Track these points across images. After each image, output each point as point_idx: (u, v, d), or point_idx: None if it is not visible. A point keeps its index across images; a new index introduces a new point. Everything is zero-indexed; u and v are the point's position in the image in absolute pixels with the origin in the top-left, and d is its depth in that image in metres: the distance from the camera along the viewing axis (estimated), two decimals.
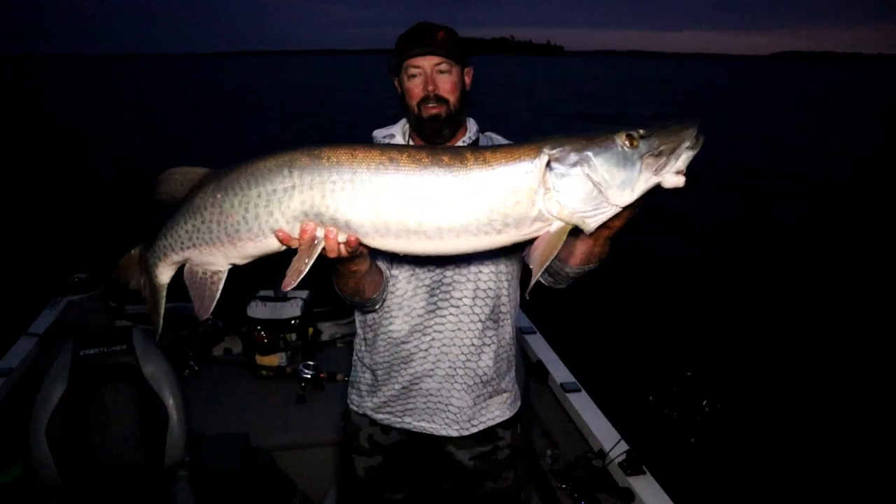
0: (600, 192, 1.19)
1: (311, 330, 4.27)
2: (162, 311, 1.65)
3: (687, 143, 1.21)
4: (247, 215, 1.34)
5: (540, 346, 3.84)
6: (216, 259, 1.46)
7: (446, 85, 1.83)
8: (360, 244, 1.36)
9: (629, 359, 5.88)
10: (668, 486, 2.71)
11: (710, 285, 8.67)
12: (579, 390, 3.44)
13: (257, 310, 4.13)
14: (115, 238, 9.89)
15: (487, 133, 2.04)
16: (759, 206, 13.31)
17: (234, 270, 4.85)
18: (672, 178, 1.20)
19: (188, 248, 1.47)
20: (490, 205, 1.20)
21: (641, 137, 1.20)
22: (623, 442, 2.89)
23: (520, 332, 3.77)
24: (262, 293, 4.25)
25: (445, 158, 1.25)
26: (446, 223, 1.24)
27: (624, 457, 2.82)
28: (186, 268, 1.53)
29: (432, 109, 1.83)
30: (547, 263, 1.25)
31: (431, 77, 1.82)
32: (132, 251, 1.67)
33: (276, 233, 1.35)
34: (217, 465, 3.00)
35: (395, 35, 1.90)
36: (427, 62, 1.82)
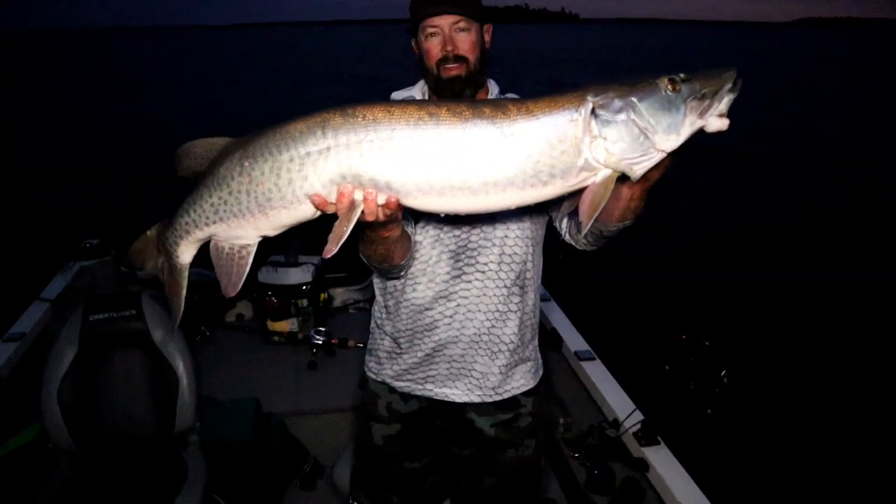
0: (647, 137, 1.17)
1: (322, 296, 4.24)
2: (184, 293, 1.54)
3: (728, 86, 1.20)
4: (279, 182, 1.26)
5: (554, 314, 3.79)
6: (245, 232, 1.37)
7: (465, 44, 1.77)
8: (399, 206, 1.29)
9: (645, 327, 5.81)
10: (683, 457, 2.67)
11: (731, 253, 8.56)
12: (594, 359, 3.39)
13: (268, 275, 4.10)
14: (126, 205, 9.93)
15: (509, 95, 1.94)
16: (782, 175, 13.08)
17: None
18: (716, 121, 1.19)
19: (214, 222, 1.37)
20: (536, 155, 1.17)
21: (683, 81, 1.19)
22: (638, 412, 2.85)
23: None
24: (274, 258, 4.22)
25: (487, 110, 1.20)
26: (491, 177, 1.20)
27: (639, 427, 2.79)
28: (212, 244, 1.44)
29: (452, 70, 1.77)
30: (597, 213, 1.22)
31: (450, 36, 1.76)
32: (148, 232, 1.56)
33: (311, 198, 1.26)
34: (228, 430, 3.01)
35: (408, 4, 1.83)
36: (445, 21, 1.75)
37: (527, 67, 38.35)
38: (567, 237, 1.84)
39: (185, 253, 1.49)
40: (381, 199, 1.26)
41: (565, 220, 1.84)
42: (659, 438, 2.75)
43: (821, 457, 4.43)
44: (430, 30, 1.77)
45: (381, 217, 1.31)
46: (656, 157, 1.21)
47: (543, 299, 3.91)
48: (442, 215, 1.40)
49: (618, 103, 1.17)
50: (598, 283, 6.57)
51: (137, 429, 2.80)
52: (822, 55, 62.25)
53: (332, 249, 1.28)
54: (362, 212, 1.28)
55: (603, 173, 1.20)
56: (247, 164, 1.27)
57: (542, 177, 1.20)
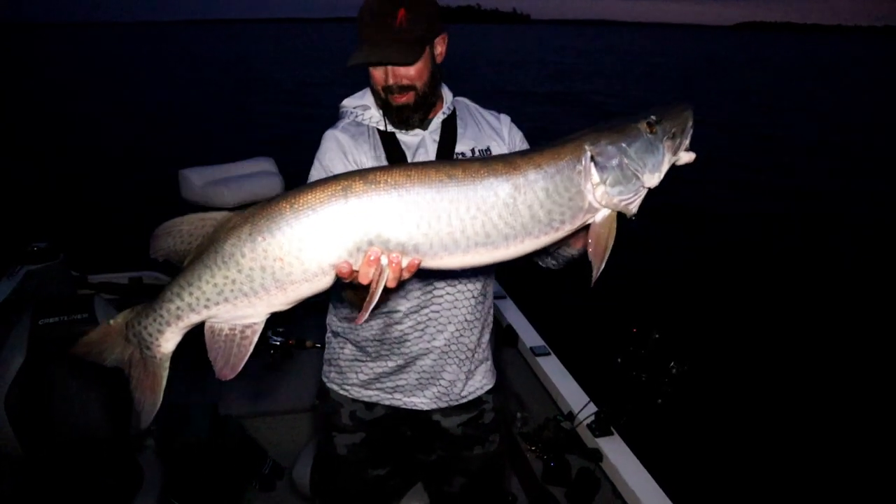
0: (637, 178, 1.29)
1: None
2: (163, 388, 1.36)
3: (690, 123, 1.36)
4: (301, 255, 1.19)
5: (510, 311, 3.85)
6: (255, 310, 1.26)
7: (410, 72, 1.67)
8: (419, 267, 1.29)
9: (598, 322, 5.94)
10: (635, 446, 2.75)
11: (676, 248, 8.79)
12: (549, 354, 3.46)
13: None
14: (76, 205, 9.67)
15: (459, 99, 1.93)
16: (724, 172, 13.46)
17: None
18: (685, 155, 1.36)
19: (217, 304, 1.24)
20: (549, 205, 1.25)
21: (657, 123, 1.31)
22: (592, 404, 2.92)
23: None
24: None
25: (500, 167, 1.24)
26: (511, 230, 1.25)
27: (592, 418, 2.86)
28: (207, 326, 1.30)
29: (399, 98, 1.70)
30: (608, 253, 1.32)
31: (393, 69, 1.67)
32: (111, 321, 1.36)
33: (338, 268, 1.22)
34: (186, 433, 2.97)
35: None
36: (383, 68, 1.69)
37: (475, 69, 38.49)
38: (534, 256, 1.86)
39: (170, 341, 1.33)
40: (405, 262, 1.25)
41: None
42: (612, 429, 2.82)
43: (766, 442, 4.60)
44: None
45: (405, 277, 1.28)
46: (644, 194, 1.34)
47: (499, 297, 3.97)
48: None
49: (612, 150, 1.28)
50: (552, 281, 6.64)
51: (91, 434, 2.75)
52: (763, 58, 64.16)
53: (365, 316, 1.26)
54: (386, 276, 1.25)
55: (602, 213, 1.30)
56: (260, 238, 1.18)
57: (554, 224, 1.28)
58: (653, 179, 1.32)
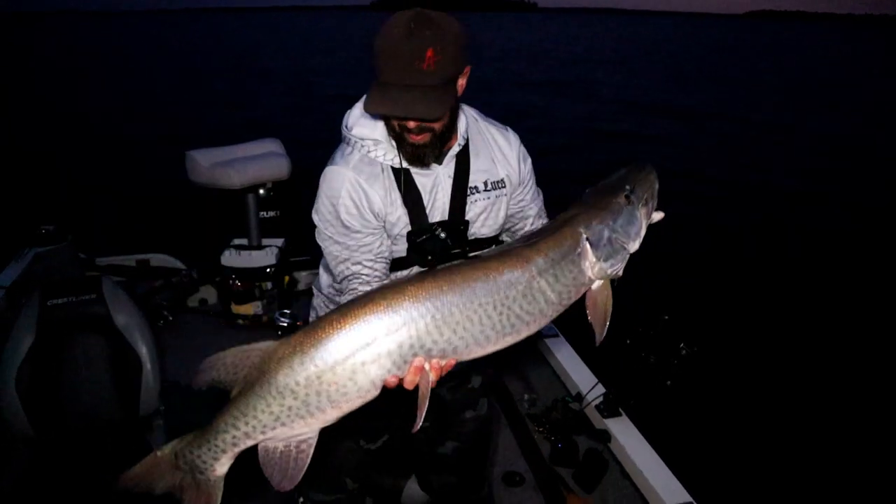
0: (624, 248, 1.43)
1: (286, 278, 4.22)
2: None
3: (656, 185, 1.49)
4: (355, 376, 1.24)
5: None
6: (311, 428, 1.30)
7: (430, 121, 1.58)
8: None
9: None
10: (643, 427, 2.75)
11: (687, 231, 8.75)
12: (557, 336, 3.45)
13: (232, 258, 4.05)
14: (83, 189, 9.69)
15: (466, 110, 1.80)
16: (735, 160, 13.39)
17: (208, 220, 4.69)
18: (656, 215, 1.50)
19: (274, 429, 1.28)
20: (559, 288, 1.37)
21: (632, 192, 1.44)
22: (600, 385, 2.92)
23: None
24: (237, 241, 4.18)
25: (514, 262, 1.34)
26: (531, 316, 1.35)
27: (601, 399, 2.85)
28: (260, 447, 1.32)
29: (416, 137, 1.58)
30: (609, 317, 1.44)
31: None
32: (158, 452, 1.38)
33: (387, 382, 1.27)
34: (193, 414, 2.98)
35: None
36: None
37: (482, 58, 38.15)
38: None
39: (225, 465, 1.35)
40: (444, 363, 1.32)
41: None
42: (620, 410, 2.82)
43: (773, 423, 4.59)
44: None
45: (442, 374, 1.34)
46: (627, 257, 1.45)
47: None
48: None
49: (602, 229, 1.40)
50: None
51: (100, 414, 2.77)
52: (773, 47, 63.47)
53: (419, 424, 1.34)
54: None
55: (597, 283, 1.43)
56: (313, 368, 1.23)
57: (563, 302, 1.39)
58: (635, 245, 1.45)
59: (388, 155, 1.66)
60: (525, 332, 1.37)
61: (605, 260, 1.40)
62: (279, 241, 4.20)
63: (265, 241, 4.18)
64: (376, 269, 1.70)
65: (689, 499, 2.37)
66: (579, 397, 2.95)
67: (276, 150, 4.35)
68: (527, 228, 1.93)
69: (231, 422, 1.28)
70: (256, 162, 4.08)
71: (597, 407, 2.85)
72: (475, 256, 1.44)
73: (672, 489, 2.41)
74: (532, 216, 1.92)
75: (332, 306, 2.01)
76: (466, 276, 1.30)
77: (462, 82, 1.61)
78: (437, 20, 1.47)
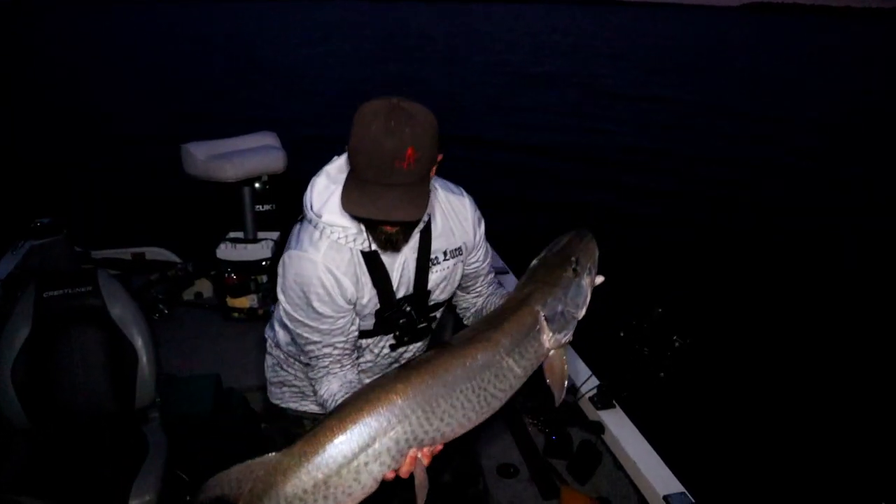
0: (574, 317, 1.55)
1: None
2: None
3: (597, 252, 1.61)
4: (359, 476, 1.31)
5: (512, 286, 3.84)
6: None
7: None
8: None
9: (601, 297, 5.93)
10: (637, 419, 2.76)
11: (680, 225, 8.78)
12: None
13: (227, 252, 4.06)
14: (78, 183, 9.66)
15: (440, 190, 1.80)
16: (730, 150, 13.42)
17: (203, 213, 4.68)
18: (598, 279, 1.62)
19: None
20: (523, 363, 1.50)
21: (577, 263, 1.56)
22: (594, 378, 2.93)
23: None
24: (232, 235, 4.18)
25: (483, 345, 1.45)
26: (503, 393, 1.47)
27: (595, 392, 2.87)
28: None
29: (390, 228, 1.58)
30: (566, 378, 1.57)
31: None
32: None
33: (385, 476, 1.35)
34: (189, 406, 3.00)
35: None
36: None
37: (473, 50, 38.10)
38: (470, 316, 2.04)
39: None
40: (433, 446, 1.41)
41: (472, 310, 2.04)
42: (614, 402, 2.83)
43: (767, 415, 4.63)
44: None
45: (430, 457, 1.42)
46: (576, 324, 1.57)
47: (502, 272, 3.96)
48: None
49: (556, 305, 1.52)
50: None
51: (96, 406, 2.77)
52: (769, 41, 63.42)
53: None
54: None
55: (553, 351, 1.55)
56: (320, 475, 1.28)
57: (527, 372, 1.51)
58: (582, 312, 1.56)
59: (359, 240, 1.65)
60: (498, 407, 1.48)
61: (560, 331, 1.53)
62: (275, 235, 4.20)
63: (261, 235, 4.18)
64: (347, 347, 1.73)
65: (682, 489, 2.38)
66: (573, 389, 2.96)
67: (272, 143, 4.35)
68: (479, 288, 2.00)
69: None
70: (252, 155, 4.08)
71: (591, 399, 2.86)
72: (447, 344, 1.49)
73: (665, 480, 2.43)
74: (483, 274, 1.98)
75: (295, 367, 2.02)
76: (447, 367, 1.40)
77: (434, 169, 1.60)
78: (413, 113, 1.45)
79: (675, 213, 9.33)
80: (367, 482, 1.32)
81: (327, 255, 1.63)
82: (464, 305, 2.04)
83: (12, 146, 12.15)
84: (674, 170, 11.84)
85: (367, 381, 1.70)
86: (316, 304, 1.64)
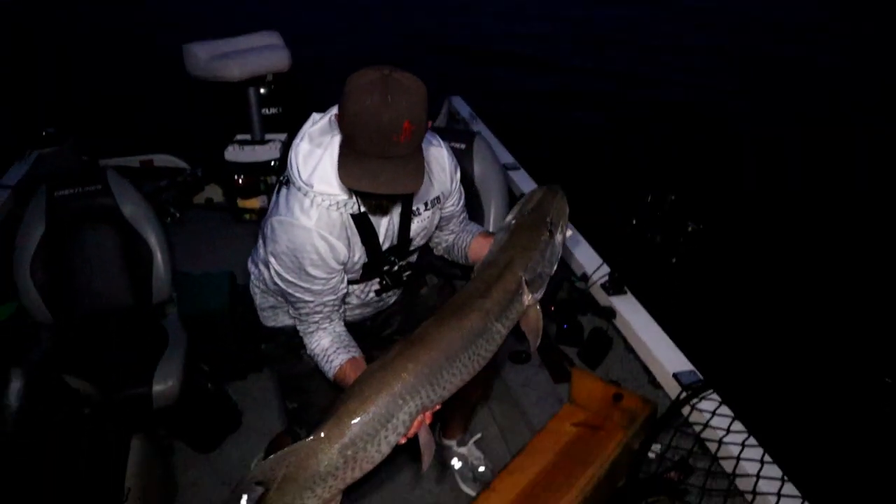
0: (549, 275, 1.69)
1: None
2: None
3: (567, 209, 1.72)
4: (380, 447, 1.44)
5: (523, 181, 3.81)
6: (340, 489, 1.49)
7: None
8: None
9: (613, 185, 5.89)
10: (648, 303, 2.77)
11: (695, 112, 8.65)
12: None
13: (236, 154, 4.04)
14: (81, 91, 9.52)
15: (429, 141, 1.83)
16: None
17: (209, 116, 4.60)
18: (568, 233, 1.76)
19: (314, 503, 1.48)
20: (508, 324, 1.63)
21: (551, 224, 1.66)
22: (605, 265, 2.93)
23: (504, 169, 3.71)
24: (240, 137, 4.14)
25: (475, 314, 1.55)
26: (491, 353, 1.60)
27: (606, 278, 2.87)
28: None
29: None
30: (541, 327, 1.70)
31: None
32: None
33: (400, 441, 1.48)
34: (205, 302, 3.05)
35: None
36: None
37: (467, 22, 36.19)
38: (441, 250, 2.12)
39: None
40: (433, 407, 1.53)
41: (443, 245, 2.10)
42: (625, 288, 2.83)
43: (778, 298, 4.67)
44: None
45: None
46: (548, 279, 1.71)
47: (512, 168, 3.92)
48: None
49: (536, 268, 1.64)
50: (565, 149, 6.62)
51: (115, 301, 2.83)
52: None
53: (427, 464, 1.54)
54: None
55: (529, 308, 1.67)
56: (349, 452, 1.41)
57: (509, 330, 1.63)
58: (554, 268, 1.70)
59: (349, 205, 1.68)
60: (485, 364, 1.60)
61: (537, 290, 1.66)
62: (282, 136, 4.16)
63: (268, 136, 4.14)
64: (336, 304, 1.81)
65: (692, 367, 2.42)
66: (585, 277, 2.97)
67: (275, 42, 4.24)
68: (451, 227, 2.05)
69: None
70: (256, 53, 3.99)
71: (602, 286, 2.87)
72: (440, 315, 1.57)
73: (675, 359, 2.46)
74: (457, 216, 2.03)
75: (284, 306, 2.01)
76: (449, 340, 1.51)
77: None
78: (407, 86, 1.45)
79: (689, 106, 9.12)
80: (386, 450, 1.47)
81: (320, 221, 1.67)
82: (436, 241, 2.09)
83: (12, 56, 11.93)
84: (687, 68, 11.52)
85: (349, 314, 2.01)
86: (309, 269, 1.69)
